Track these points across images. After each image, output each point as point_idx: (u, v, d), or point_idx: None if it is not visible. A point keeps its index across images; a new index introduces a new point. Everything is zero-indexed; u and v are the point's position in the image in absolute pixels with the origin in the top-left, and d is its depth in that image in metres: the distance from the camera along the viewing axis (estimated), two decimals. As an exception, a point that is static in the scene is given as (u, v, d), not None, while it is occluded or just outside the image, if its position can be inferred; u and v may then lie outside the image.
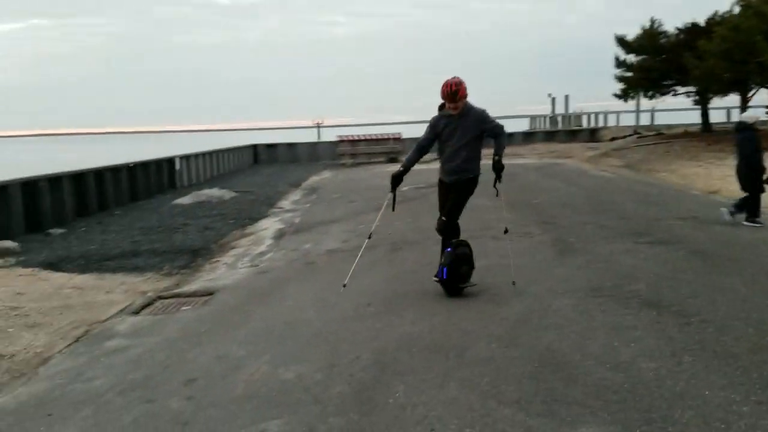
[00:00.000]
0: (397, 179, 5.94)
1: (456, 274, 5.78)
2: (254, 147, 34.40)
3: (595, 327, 4.89)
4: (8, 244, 9.42)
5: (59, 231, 11.39)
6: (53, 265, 8.41)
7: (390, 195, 6.04)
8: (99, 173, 14.69)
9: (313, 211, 13.75)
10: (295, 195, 17.57)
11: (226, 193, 16.95)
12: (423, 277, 6.57)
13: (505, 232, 6.43)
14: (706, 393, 3.63)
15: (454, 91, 5.65)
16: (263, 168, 29.30)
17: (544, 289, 6.04)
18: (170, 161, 20.28)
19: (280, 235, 10.89)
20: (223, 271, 8.27)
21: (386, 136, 29.60)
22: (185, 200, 15.71)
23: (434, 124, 5.98)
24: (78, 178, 13.60)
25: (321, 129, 31.52)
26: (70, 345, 5.36)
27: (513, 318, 5.22)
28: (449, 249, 5.81)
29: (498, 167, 5.79)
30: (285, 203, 15.79)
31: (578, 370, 4.04)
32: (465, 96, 5.74)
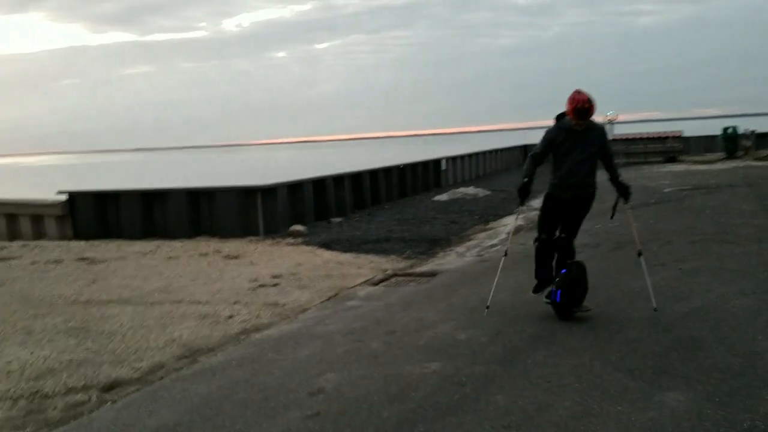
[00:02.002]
0: (524, 192, 5.83)
1: (571, 296, 5.58)
2: (524, 147, 35.39)
3: None
4: (299, 227, 12.18)
5: (338, 220, 14.08)
6: (326, 245, 10.74)
7: (521, 208, 6.12)
8: (374, 173, 17.35)
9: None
10: (548, 194, 18.23)
11: (480, 192, 18.41)
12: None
13: (639, 255, 6.03)
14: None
15: (586, 109, 5.44)
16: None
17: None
18: (437, 162, 22.50)
19: (516, 231, 11.86)
20: (452, 258, 9.65)
21: (665, 134, 28.10)
22: (443, 197, 17.58)
23: (553, 138, 5.71)
24: (356, 177, 16.35)
25: (614, 125, 30.47)
26: (322, 302, 7.21)
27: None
28: (564, 270, 5.69)
29: (625, 187, 5.80)
30: (535, 202, 16.50)
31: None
32: (594, 114, 5.61)
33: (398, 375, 4.59)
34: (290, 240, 11.38)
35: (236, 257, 9.67)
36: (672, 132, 27.91)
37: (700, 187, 16.05)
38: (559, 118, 5.75)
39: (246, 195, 12.29)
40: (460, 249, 10.46)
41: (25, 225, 13.90)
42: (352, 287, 7.86)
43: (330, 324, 6.21)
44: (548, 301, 5.76)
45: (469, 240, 11.36)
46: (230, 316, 6.51)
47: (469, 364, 4.72)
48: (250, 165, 56.25)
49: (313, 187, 14.06)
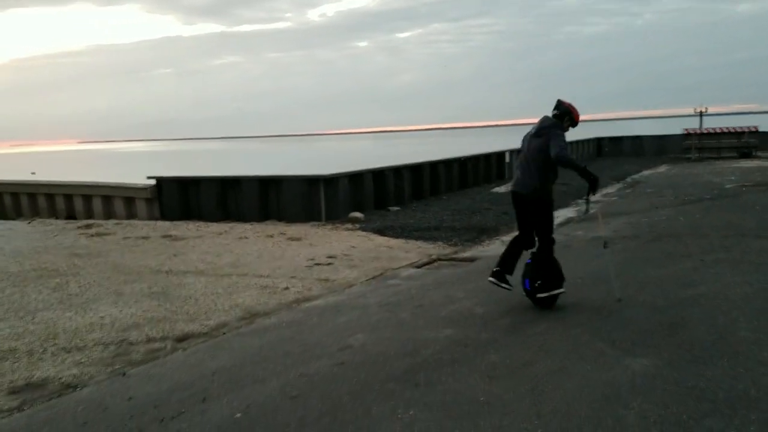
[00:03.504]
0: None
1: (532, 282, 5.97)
2: (598, 140, 35.05)
3: None
4: (357, 214, 13.14)
5: (396, 208, 14.95)
6: (380, 231, 11.63)
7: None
8: (434, 165, 18.09)
9: (615, 204, 14.67)
10: (611, 188, 18.36)
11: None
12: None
13: (605, 246, 6.35)
14: None
15: None
16: (603, 161, 29.96)
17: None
18: (500, 155, 22.92)
19: (565, 222, 12.36)
20: (496, 246, 10.29)
21: (740, 129, 27.26)
22: (501, 189, 18.08)
23: None
24: (416, 169, 17.14)
25: (704, 117, 29.48)
26: (368, 280, 8.08)
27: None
28: (529, 260, 6.09)
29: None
30: (595, 196, 16.89)
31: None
32: None
33: (415, 338, 5.42)
34: (348, 226, 12.34)
35: (298, 239, 10.72)
36: (748, 127, 27.01)
37: (762, 184, 15.86)
38: (561, 117, 5.95)
39: (310, 184, 13.35)
40: (506, 238, 11.04)
41: (119, 206, 15.57)
42: (396, 268, 8.69)
43: (370, 297, 7.08)
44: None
45: (517, 230, 11.94)
46: (286, 288, 7.51)
47: (478, 332, 5.48)
48: (325, 155, 58.08)
49: (373, 178, 14.97)
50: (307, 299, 7.11)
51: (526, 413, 3.73)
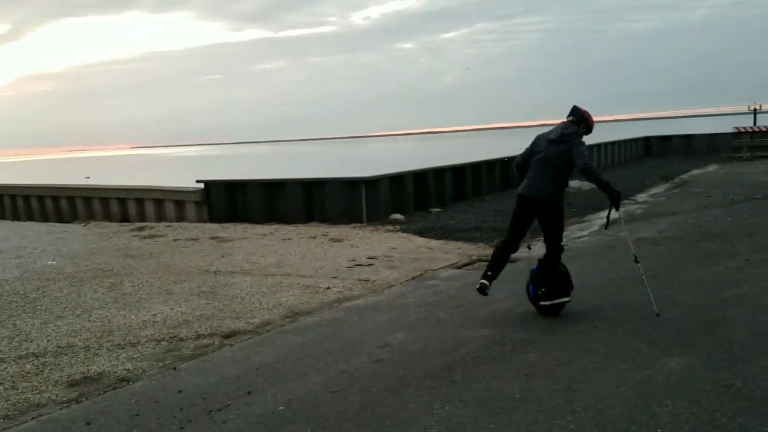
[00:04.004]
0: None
1: (536, 290, 5.93)
2: (646, 139, 34.34)
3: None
4: (398, 216, 13.28)
5: (437, 210, 15.02)
6: (420, 232, 11.74)
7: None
8: (476, 166, 18.08)
9: (662, 204, 14.43)
10: (659, 188, 18.04)
11: (585, 185, 18.47)
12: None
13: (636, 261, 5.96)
14: None
15: None
16: (651, 161, 29.39)
17: None
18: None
19: (610, 223, 12.23)
20: (538, 247, 10.24)
21: (794, 126, 26.31)
22: (545, 190, 17.96)
23: None
24: (458, 170, 17.19)
25: (758, 115, 28.44)
26: (407, 280, 8.20)
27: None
28: (534, 267, 6.08)
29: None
30: (642, 196, 16.61)
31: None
32: None
33: (453, 336, 5.51)
34: (389, 227, 12.49)
35: (339, 240, 10.92)
36: (803, 124, 26.05)
37: None
38: (577, 123, 5.88)
39: (351, 186, 13.55)
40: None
41: (170, 209, 16.11)
42: (436, 269, 8.78)
43: (409, 297, 7.20)
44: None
45: (560, 231, 11.87)
46: (327, 288, 7.70)
47: (516, 331, 5.54)
48: (369, 157, 58.42)
49: (414, 179, 15.08)
50: (348, 299, 7.28)
51: (560, 410, 3.79)
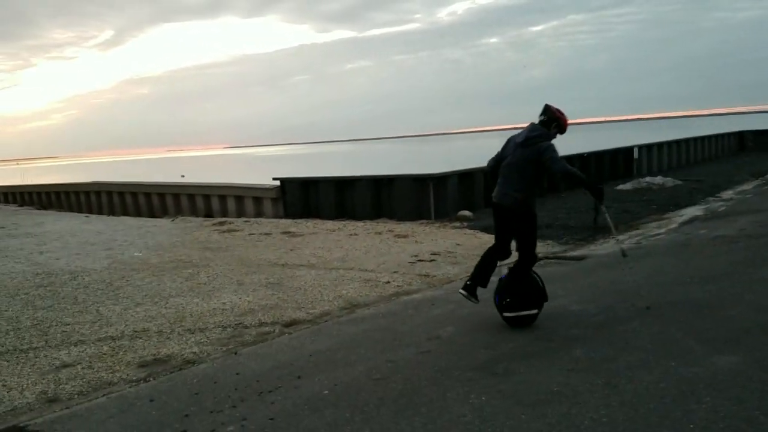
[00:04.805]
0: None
1: (500, 300, 5.71)
2: (740, 134, 32.54)
3: None
4: (466, 213, 13.27)
5: (509, 207, 14.88)
6: (487, 229, 11.67)
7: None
8: (552, 162, 17.75)
9: (748, 202, 13.69)
10: (747, 185, 17.09)
11: (669, 181, 17.77)
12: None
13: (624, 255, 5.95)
14: None
15: None
16: (745, 156, 27.83)
17: None
18: (628, 150, 21.92)
19: (689, 221, 11.73)
20: (609, 245, 10.02)
21: None
22: (626, 186, 17.36)
23: None
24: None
25: None
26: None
27: None
28: (503, 276, 5.82)
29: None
30: (728, 193, 15.78)
31: None
32: None
33: (503, 331, 5.54)
34: (456, 224, 12.52)
35: (405, 237, 11.08)
36: None
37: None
38: (548, 123, 5.56)
39: (420, 183, 13.67)
40: (622, 237, 10.72)
41: (249, 205, 16.84)
42: (498, 266, 8.76)
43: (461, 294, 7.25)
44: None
45: (636, 229, 11.50)
46: (387, 282, 7.87)
47: (567, 328, 5.49)
48: (447, 154, 58.23)
49: (484, 176, 15.00)
50: (406, 293, 7.42)
51: (596, 404, 3.77)
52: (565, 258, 9.24)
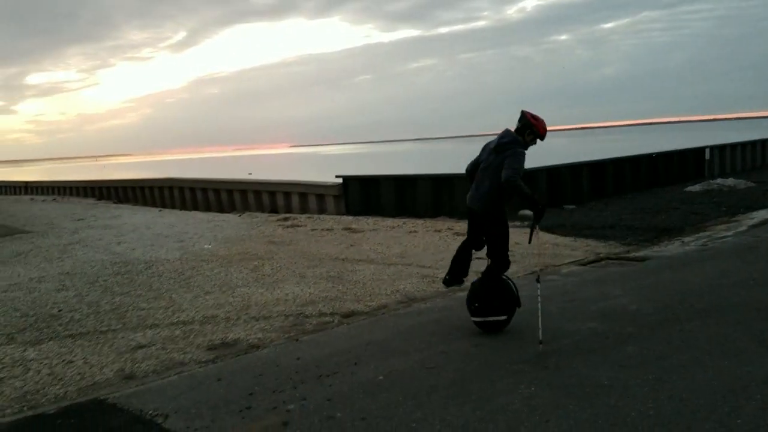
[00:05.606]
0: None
1: (469, 304, 5.70)
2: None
3: None
4: (526, 212, 13.16)
5: (571, 207, 14.71)
6: (549, 228, 11.64)
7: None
8: (618, 162, 17.39)
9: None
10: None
11: (741, 183, 17.11)
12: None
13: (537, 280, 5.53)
14: None
15: None
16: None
17: None
18: (699, 151, 21.20)
19: (759, 224, 11.33)
20: (674, 247, 9.83)
21: None
22: (695, 188, 16.83)
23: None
24: (597, 166, 16.65)
25: None
26: (525, 275, 8.26)
27: None
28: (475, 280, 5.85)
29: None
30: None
31: None
32: None
33: (557, 328, 5.59)
34: (516, 223, 12.47)
35: (463, 234, 11.14)
36: None
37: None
38: (522, 130, 5.53)
39: (481, 181, 13.70)
40: (688, 239, 10.48)
41: (312, 202, 17.29)
42: (558, 265, 8.76)
43: (522, 291, 7.27)
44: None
45: (703, 231, 11.21)
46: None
47: (623, 326, 5.50)
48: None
49: (547, 176, 14.90)
50: (463, 289, 7.52)
51: (644, 397, 3.82)
52: (627, 258, 9.11)
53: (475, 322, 5.67)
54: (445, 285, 6.10)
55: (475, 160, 5.85)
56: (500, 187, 5.42)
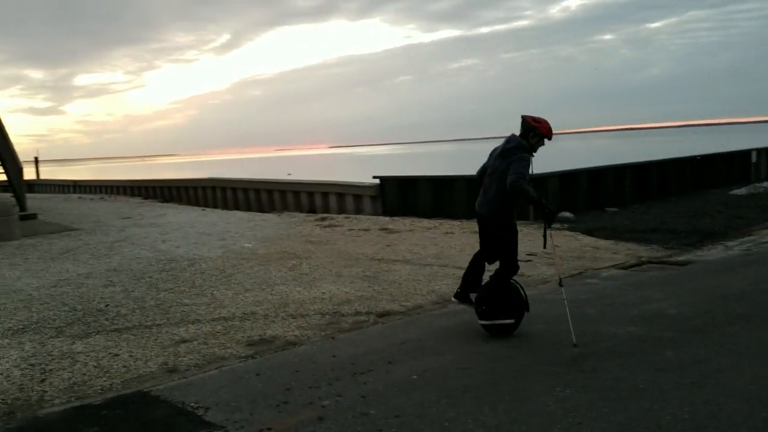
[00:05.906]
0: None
1: (477, 308, 5.70)
2: None
3: None
4: (567, 214, 13.08)
5: (612, 209, 14.50)
6: (589, 231, 11.52)
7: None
8: (661, 165, 17.05)
9: None
10: None
11: (792, 186, 16.60)
12: None
13: (560, 284, 5.67)
14: None
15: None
16: None
17: None
18: (745, 154, 20.62)
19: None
20: (717, 251, 9.63)
21: None
22: (741, 191, 16.39)
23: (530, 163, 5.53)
24: (641, 168, 16.36)
25: None
26: (565, 278, 8.22)
27: None
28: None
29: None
30: None
31: None
32: None
33: (595, 331, 5.57)
34: (556, 225, 12.38)
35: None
36: None
37: None
38: (524, 135, 5.58)
39: (519, 183, 13.61)
40: (732, 243, 10.26)
41: (349, 202, 17.44)
42: (598, 268, 8.67)
43: (559, 294, 7.26)
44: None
45: (748, 235, 10.95)
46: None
47: (662, 330, 5.44)
48: (553, 154, 56.83)
49: (588, 177, 14.70)
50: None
51: (680, 402, 3.78)
52: (668, 263, 8.96)
53: (482, 326, 5.69)
54: (456, 300, 6.10)
55: (483, 165, 5.92)
56: (507, 191, 5.47)
